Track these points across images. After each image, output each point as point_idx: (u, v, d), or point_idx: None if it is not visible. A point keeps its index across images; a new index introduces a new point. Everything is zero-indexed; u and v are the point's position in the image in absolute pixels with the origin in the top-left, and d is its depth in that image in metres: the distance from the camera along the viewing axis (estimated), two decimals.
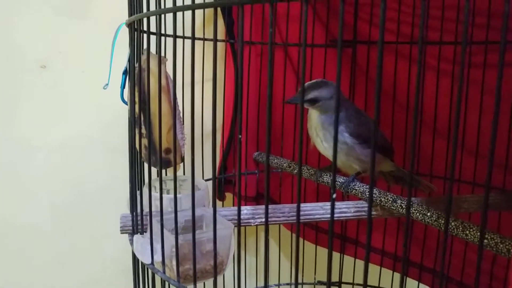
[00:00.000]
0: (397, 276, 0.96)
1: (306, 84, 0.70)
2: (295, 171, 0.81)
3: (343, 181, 0.69)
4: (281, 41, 0.91)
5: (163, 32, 0.72)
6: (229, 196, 0.99)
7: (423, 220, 0.56)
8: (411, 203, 0.58)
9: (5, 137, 0.90)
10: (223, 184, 0.94)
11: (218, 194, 0.95)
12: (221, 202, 0.97)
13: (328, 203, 0.65)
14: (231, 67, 0.90)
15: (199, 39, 0.83)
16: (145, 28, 0.50)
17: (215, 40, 0.37)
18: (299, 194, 0.34)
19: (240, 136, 0.34)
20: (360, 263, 0.98)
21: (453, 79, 0.83)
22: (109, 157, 0.96)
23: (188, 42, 0.82)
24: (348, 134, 0.68)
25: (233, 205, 0.98)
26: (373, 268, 0.96)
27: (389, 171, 0.79)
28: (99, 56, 0.76)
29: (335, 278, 1.00)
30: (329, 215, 0.64)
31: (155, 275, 0.51)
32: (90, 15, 0.92)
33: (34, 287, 0.96)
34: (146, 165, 0.60)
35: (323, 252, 1.00)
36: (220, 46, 0.91)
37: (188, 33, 0.82)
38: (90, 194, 0.96)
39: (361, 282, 0.95)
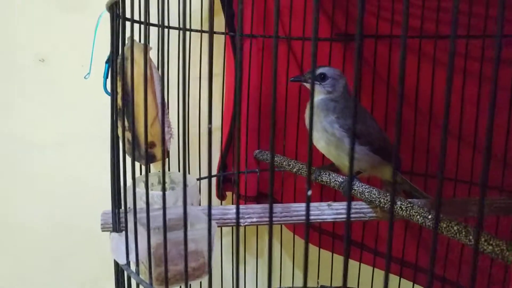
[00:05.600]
0: (404, 282, 0.91)
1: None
2: (295, 169, 0.77)
3: (342, 180, 0.65)
4: (283, 34, 0.88)
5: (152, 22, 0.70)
6: (229, 195, 0.96)
7: (424, 224, 0.52)
8: (412, 204, 0.53)
9: (1, 133, 0.89)
10: (222, 183, 0.91)
11: (218, 193, 0.92)
12: (219, 201, 0.94)
13: (324, 204, 0.61)
14: (231, 62, 0.87)
15: (196, 31, 0.80)
16: (136, 17, 0.47)
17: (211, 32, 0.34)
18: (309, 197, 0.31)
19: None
20: (365, 268, 0.93)
21: (465, 75, 0.79)
22: (108, 154, 0.93)
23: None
24: (338, 125, 0.64)
25: (233, 204, 0.94)
26: (378, 273, 0.91)
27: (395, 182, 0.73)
28: (99, 50, 0.74)
29: (338, 283, 0.96)
30: (325, 216, 0.61)
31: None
32: (90, 7, 0.90)
33: (30, 287, 0.95)
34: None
35: (326, 255, 0.96)
36: (220, 39, 0.88)
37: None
38: (88, 191, 0.94)
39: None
